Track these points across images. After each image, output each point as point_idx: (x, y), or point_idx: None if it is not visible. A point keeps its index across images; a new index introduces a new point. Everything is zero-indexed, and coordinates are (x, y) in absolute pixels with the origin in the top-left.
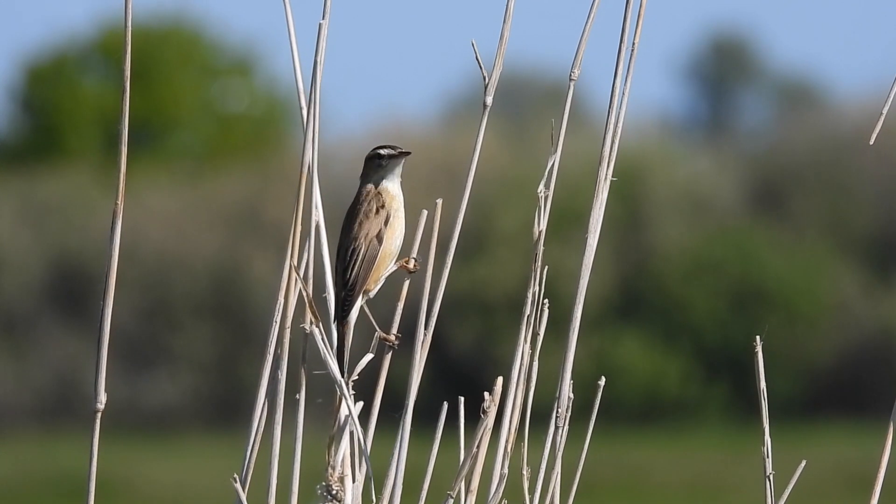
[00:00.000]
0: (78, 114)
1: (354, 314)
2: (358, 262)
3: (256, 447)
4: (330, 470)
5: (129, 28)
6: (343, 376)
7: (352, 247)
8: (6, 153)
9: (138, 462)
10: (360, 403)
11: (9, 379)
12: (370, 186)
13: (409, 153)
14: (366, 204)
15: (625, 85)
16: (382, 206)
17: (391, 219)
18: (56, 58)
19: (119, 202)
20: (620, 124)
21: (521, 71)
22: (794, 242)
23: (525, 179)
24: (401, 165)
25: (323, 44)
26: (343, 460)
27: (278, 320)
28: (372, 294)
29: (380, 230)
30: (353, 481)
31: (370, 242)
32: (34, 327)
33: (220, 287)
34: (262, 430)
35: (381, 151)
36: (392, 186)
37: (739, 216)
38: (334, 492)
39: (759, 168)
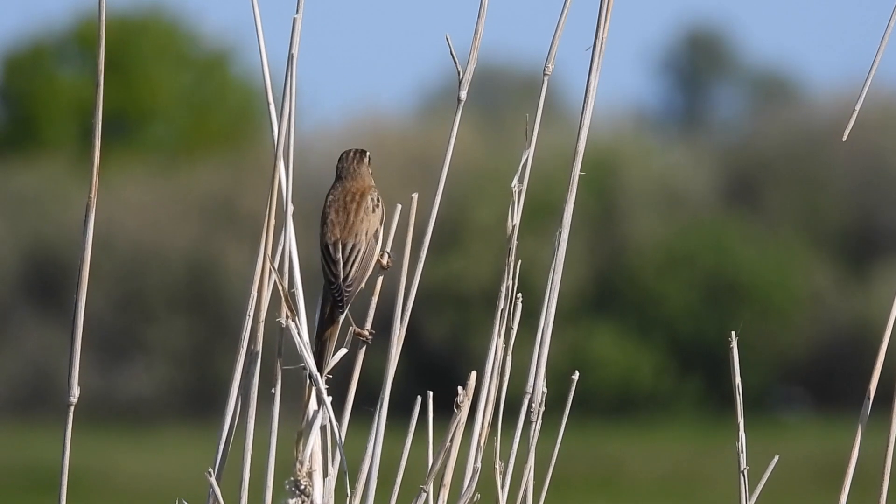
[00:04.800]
0: (54, 104)
1: (344, 313)
2: (359, 259)
3: (230, 442)
4: (298, 465)
5: (104, 20)
6: (321, 372)
7: (352, 242)
8: None
9: (113, 453)
10: (329, 398)
11: None
12: (367, 182)
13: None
14: (368, 200)
15: (590, 79)
16: (378, 205)
17: (384, 218)
18: (33, 48)
19: (92, 194)
20: (589, 119)
21: (496, 65)
22: (767, 236)
23: (500, 173)
24: None
25: (297, 38)
26: (312, 455)
27: (252, 314)
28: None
29: (377, 229)
30: (325, 476)
31: (370, 240)
32: (9, 318)
33: (195, 279)
34: (235, 424)
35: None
36: None
37: (713, 209)
38: (303, 487)
39: (733, 161)
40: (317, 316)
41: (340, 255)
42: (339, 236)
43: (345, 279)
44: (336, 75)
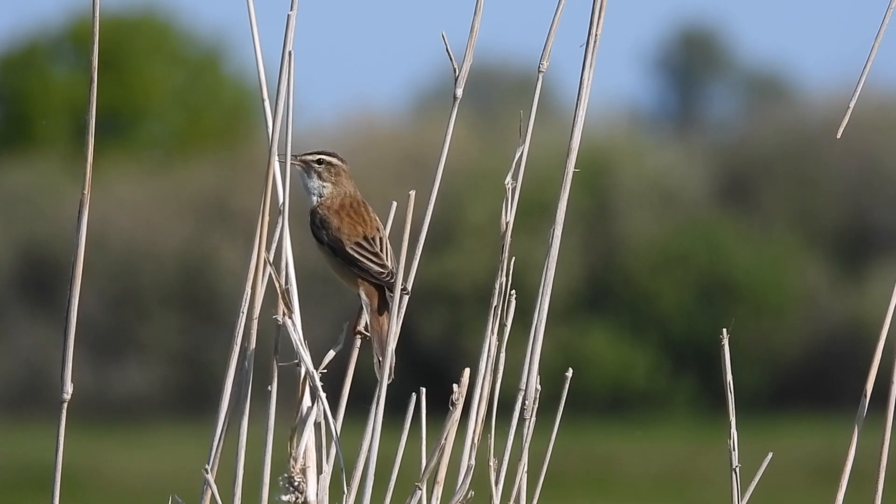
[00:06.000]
0: (48, 103)
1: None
2: (390, 248)
3: (223, 440)
4: (292, 461)
5: (97, 18)
6: (387, 361)
7: (379, 235)
8: None
9: (107, 452)
10: (325, 395)
11: None
12: (356, 191)
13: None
14: (369, 205)
15: (584, 75)
16: (372, 209)
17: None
18: (27, 47)
19: (86, 192)
20: (583, 116)
21: (491, 62)
22: (761, 234)
23: (494, 170)
24: None
25: (291, 35)
26: (306, 452)
27: (245, 311)
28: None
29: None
30: (320, 472)
31: (385, 234)
32: (2, 316)
33: (189, 277)
34: (228, 421)
35: None
36: None
37: (707, 208)
38: (296, 483)
39: (727, 160)
40: (366, 312)
41: (376, 247)
42: (365, 232)
43: (388, 269)
44: (329, 74)
